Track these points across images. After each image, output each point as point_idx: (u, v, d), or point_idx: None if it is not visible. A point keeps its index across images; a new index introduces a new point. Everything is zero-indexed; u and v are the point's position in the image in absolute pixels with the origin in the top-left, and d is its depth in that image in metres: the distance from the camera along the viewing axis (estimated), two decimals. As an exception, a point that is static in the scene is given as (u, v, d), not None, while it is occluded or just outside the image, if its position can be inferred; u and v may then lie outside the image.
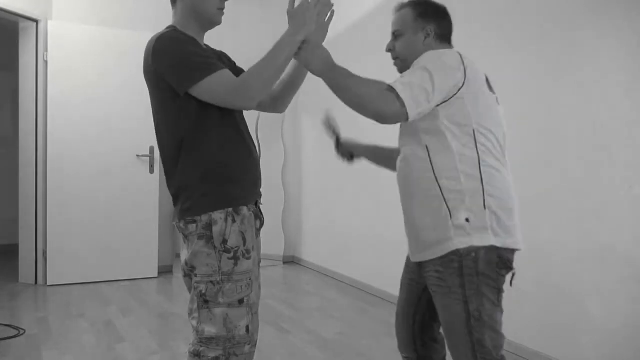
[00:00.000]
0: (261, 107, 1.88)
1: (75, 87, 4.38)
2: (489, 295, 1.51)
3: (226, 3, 1.69)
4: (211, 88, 1.52)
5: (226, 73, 1.54)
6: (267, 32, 5.24)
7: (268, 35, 5.31)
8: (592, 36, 2.59)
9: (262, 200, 1.78)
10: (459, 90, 1.51)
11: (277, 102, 1.90)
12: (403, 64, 1.69)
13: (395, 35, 1.70)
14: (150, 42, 1.60)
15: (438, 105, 1.51)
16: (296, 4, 1.61)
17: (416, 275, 1.75)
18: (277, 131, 5.53)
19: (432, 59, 1.54)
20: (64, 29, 4.36)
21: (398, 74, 1.65)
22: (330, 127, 2.07)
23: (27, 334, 3.20)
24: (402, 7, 1.72)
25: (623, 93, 2.48)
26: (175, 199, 1.64)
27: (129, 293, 4.22)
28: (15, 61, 4.55)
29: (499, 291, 1.54)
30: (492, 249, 1.50)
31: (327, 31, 1.72)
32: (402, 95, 1.46)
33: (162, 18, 5.45)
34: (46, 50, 4.33)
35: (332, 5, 1.67)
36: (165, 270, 4.88)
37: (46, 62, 4.34)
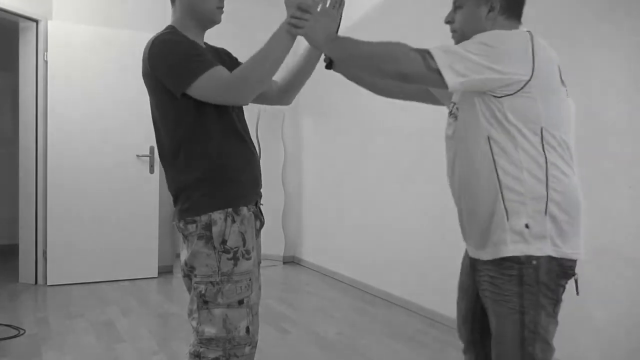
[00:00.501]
0: (268, 100, 1.85)
1: (75, 87, 4.37)
2: (547, 307, 1.43)
3: (225, 1, 1.69)
4: (204, 86, 1.51)
5: (219, 69, 1.53)
6: (268, 31, 5.24)
7: (268, 34, 5.30)
8: (593, 36, 2.59)
9: (262, 200, 1.77)
10: (526, 83, 1.36)
11: (284, 95, 1.87)
12: (462, 39, 1.49)
13: (455, 6, 1.55)
14: (147, 45, 1.61)
15: (501, 97, 1.38)
16: None
17: (471, 279, 1.63)
18: (277, 131, 5.53)
19: (493, 39, 1.39)
20: (64, 29, 4.36)
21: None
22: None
23: (27, 334, 3.20)
24: None
25: (623, 93, 2.48)
26: (175, 199, 1.64)
27: (129, 293, 4.22)
28: (15, 61, 4.54)
29: (557, 302, 1.46)
30: (551, 259, 1.41)
31: (338, 20, 1.62)
32: (437, 59, 1.36)
33: (162, 18, 5.43)
34: (46, 50, 4.33)
35: None
36: (165, 270, 4.88)
37: (46, 62, 4.34)
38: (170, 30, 1.62)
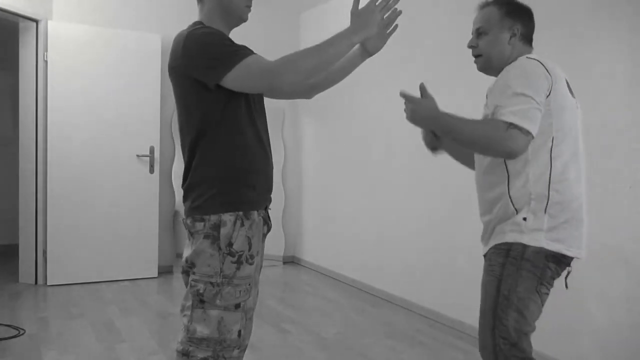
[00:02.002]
0: (295, 94, 1.87)
1: (75, 87, 4.37)
2: (526, 281, 1.54)
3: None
4: (242, 75, 1.48)
5: (257, 57, 1.52)
6: (274, 33, 5.24)
7: (273, 36, 5.33)
8: (593, 37, 2.59)
9: (264, 201, 1.77)
10: (546, 97, 1.54)
11: (311, 90, 1.87)
12: (486, 63, 1.72)
13: (479, 33, 1.72)
14: (179, 38, 1.59)
15: None
16: (360, 6, 1.58)
17: None
18: (277, 131, 5.53)
19: (518, 78, 1.55)
20: (64, 29, 4.36)
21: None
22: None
23: (27, 334, 3.20)
24: (486, 4, 1.74)
25: (623, 93, 2.49)
26: (186, 194, 1.63)
27: (129, 293, 4.22)
28: (15, 61, 4.55)
29: (540, 281, 1.56)
30: (542, 249, 1.55)
31: (385, 42, 1.73)
32: (524, 126, 1.48)
33: (163, 18, 5.41)
34: (46, 50, 4.33)
35: (399, 12, 1.66)
36: (165, 270, 4.88)
37: (46, 62, 4.34)
38: (203, 25, 1.60)
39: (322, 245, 5.17)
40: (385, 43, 1.74)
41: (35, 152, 4.39)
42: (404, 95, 1.70)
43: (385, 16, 1.61)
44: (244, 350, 1.64)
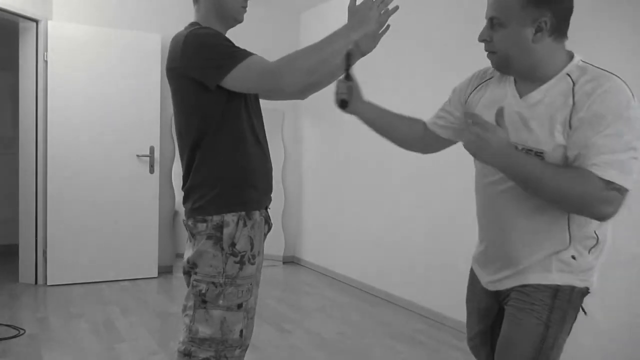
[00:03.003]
0: (291, 93, 1.85)
1: (75, 87, 4.37)
2: (567, 326, 1.41)
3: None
4: (243, 75, 1.48)
5: (258, 57, 1.51)
6: (274, 33, 5.24)
7: (273, 36, 5.33)
8: (593, 37, 2.59)
9: (264, 201, 1.77)
10: None
11: (307, 90, 1.87)
12: (501, 62, 1.37)
13: (494, 23, 1.34)
14: (177, 38, 1.58)
15: None
16: (358, 1, 1.57)
17: (483, 303, 1.61)
18: (277, 131, 5.53)
19: (620, 119, 1.23)
20: (64, 29, 4.36)
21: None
22: (348, 62, 1.67)
23: (27, 334, 3.20)
24: None
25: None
26: (187, 195, 1.63)
27: (129, 293, 4.22)
28: (15, 61, 4.54)
29: (573, 323, 1.44)
30: (582, 289, 1.41)
31: (378, 42, 1.69)
32: (625, 185, 1.23)
33: (162, 18, 5.40)
34: (46, 50, 4.33)
35: (397, 8, 1.62)
36: (165, 270, 4.88)
37: (46, 62, 4.34)
38: (200, 26, 1.60)
39: (322, 245, 5.17)
40: (378, 42, 1.70)
41: (35, 152, 4.39)
42: (473, 116, 1.30)
43: (382, 12, 1.58)
44: (246, 349, 1.64)
